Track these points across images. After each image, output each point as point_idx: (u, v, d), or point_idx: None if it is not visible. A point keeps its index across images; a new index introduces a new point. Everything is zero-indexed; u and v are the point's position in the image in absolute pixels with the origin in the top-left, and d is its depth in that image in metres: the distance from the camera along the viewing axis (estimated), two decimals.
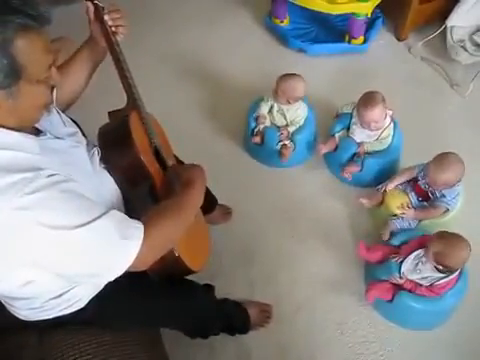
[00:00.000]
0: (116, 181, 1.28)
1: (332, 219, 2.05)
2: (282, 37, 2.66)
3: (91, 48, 1.36)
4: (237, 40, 2.71)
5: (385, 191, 1.93)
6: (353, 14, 2.46)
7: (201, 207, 1.59)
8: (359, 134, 2.06)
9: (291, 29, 2.66)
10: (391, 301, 1.72)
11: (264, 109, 2.13)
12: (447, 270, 1.62)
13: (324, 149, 2.08)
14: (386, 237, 1.86)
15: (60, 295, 1.19)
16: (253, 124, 2.14)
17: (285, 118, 2.13)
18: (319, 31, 2.67)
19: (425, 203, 1.88)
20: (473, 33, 2.52)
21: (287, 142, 2.11)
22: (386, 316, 1.78)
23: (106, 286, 1.28)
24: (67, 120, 1.27)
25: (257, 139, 2.14)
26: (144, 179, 1.29)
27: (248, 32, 2.75)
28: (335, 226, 2.03)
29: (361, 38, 2.56)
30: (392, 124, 2.05)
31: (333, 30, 2.65)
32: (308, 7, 2.44)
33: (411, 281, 1.69)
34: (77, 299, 1.22)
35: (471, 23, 2.52)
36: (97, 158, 1.26)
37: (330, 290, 1.86)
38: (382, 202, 1.97)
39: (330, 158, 2.16)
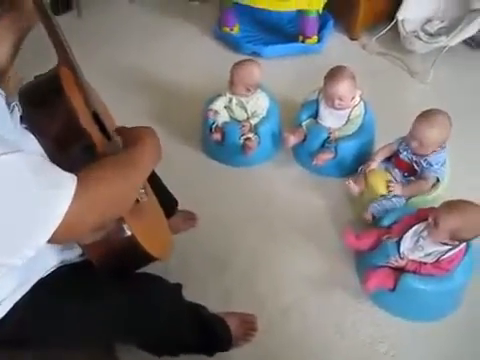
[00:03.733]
0: (43, 147, 0.97)
1: (310, 214, 1.76)
2: (233, 44, 2.47)
3: (14, 12, 1.08)
4: (185, 51, 2.51)
5: (366, 174, 1.68)
6: (304, 12, 2.32)
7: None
8: (328, 117, 1.83)
9: (242, 36, 2.49)
10: (393, 289, 1.42)
11: (219, 104, 1.88)
12: (459, 242, 1.36)
13: (292, 140, 1.83)
14: (369, 217, 1.61)
15: None
16: (211, 120, 1.88)
17: (246, 111, 1.88)
18: (271, 37, 2.50)
19: (412, 178, 1.64)
20: (424, 23, 2.42)
21: (250, 135, 1.85)
22: (390, 309, 1.47)
23: (34, 287, 0.93)
24: None
25: (217, 136, 1.87)
26: (80, 140, 0.99)
27: (196, 42, 2.56)
28: (314, 220, 1.74)
29: (315, 37, 2.42)
30: (362, 103, 1.84)
31: (285, 34, 2.50)
32: (256, 6, 2.28)
33: (414, 261, 1.41)
34: None
35: (421, 15, 2.42)
36: (18, 115, 0.95)
37: (320, 289, 1.55)
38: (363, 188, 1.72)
39: (299, 150, 1.91)
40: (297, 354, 1.40)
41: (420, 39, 2.35)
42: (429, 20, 2.43)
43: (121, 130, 1.05)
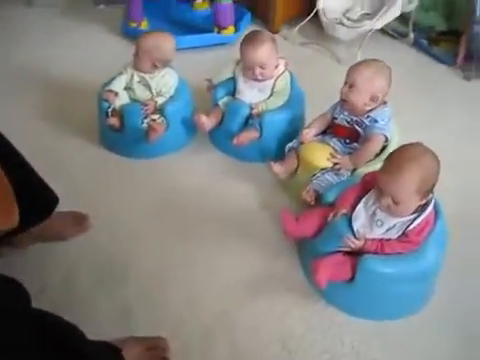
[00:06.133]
0: None
1: (236, 206, 1.35)
2: None
3: None
4: (87, 48, 2.11)
5: (300, 149, 1.31)
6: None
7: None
8: (248, 91, 1.47)
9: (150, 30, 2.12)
10: (351, 280, 1.02)
11: (119, 84, 1.48)
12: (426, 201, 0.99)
13: (205, 121, 1.44)
14: (311, 197, 1.23)
15: None
16: (106, 104, 1.45)
17: (149, 89, 1.48)
18: (183, 31, 2.16)
19: (355, 144, 1.28)
20: (346, 12, 2.19)
21: (156, 117, 1.44)
22: (348, 308, 1.06)
23: None
24: None
25: (114, 120, 1.44)
26: None
27: (100, 39, 2.17)
28: (242, 213, 1.33)
29: (231, 28, 2.11)
30: (288, 73, 1.50)
31: (196, 29, 2.16)
32: None
33: (374, 239, 1.02)
34: None
35: (341, 4, 2.20)
36: None
37: (255, 296, 1.11)
38: (297, 168, 1.34)
39: (217, 134, 1.51)
40: None
41: (343, 25, 2.11)
42: (349, 9, 2.22)
43: None
